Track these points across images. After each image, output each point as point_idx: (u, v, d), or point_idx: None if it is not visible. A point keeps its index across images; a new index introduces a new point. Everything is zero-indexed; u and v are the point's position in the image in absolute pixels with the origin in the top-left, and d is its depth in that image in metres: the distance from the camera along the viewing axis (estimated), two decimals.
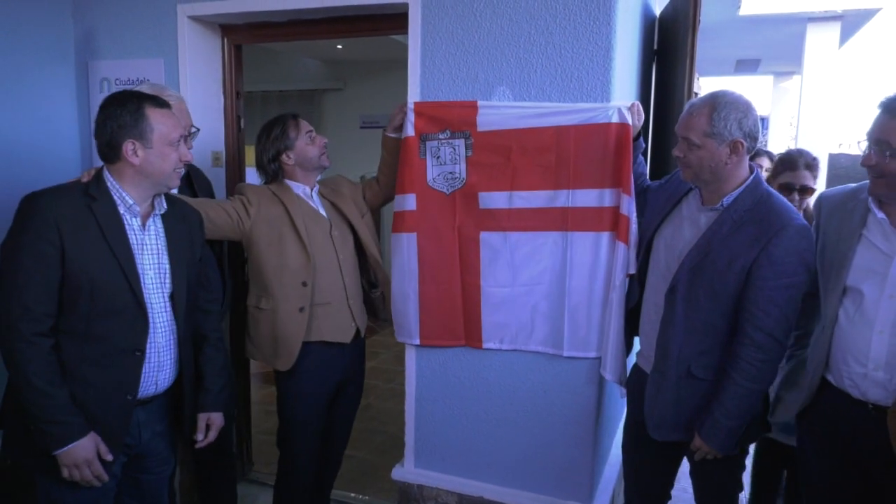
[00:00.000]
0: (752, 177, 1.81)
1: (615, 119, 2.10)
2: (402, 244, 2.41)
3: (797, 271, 1.72)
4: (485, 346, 2.38)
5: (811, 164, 2.35)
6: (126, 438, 1.78)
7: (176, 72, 2.77)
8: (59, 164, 2.82)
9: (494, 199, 2.28)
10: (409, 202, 2.37)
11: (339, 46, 6.37)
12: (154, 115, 1.72)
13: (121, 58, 2.86)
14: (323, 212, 2.41)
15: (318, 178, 2.47)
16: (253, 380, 3.29)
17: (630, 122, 2.10)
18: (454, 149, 2.29)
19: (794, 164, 2.37)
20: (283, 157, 2.36)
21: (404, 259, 2.40)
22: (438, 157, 2.32)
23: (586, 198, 2.18)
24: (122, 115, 1.70)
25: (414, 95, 2.39)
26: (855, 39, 6.88)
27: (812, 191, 2.32)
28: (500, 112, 2.22)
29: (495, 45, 2.26)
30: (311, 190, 2.42)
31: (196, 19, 2.76)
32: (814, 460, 1.84)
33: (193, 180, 2.44)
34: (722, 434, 1.80)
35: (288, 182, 2.39)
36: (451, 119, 2.28)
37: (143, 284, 1.74)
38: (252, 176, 2.72)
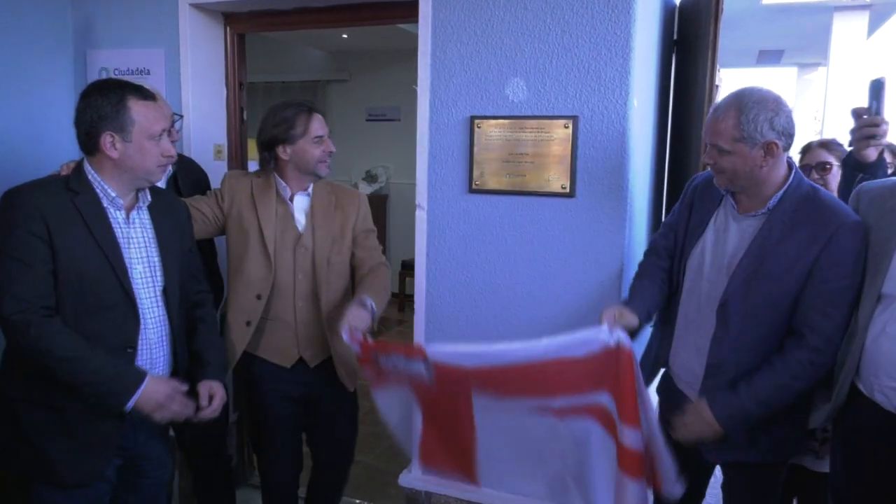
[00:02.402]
0: (792, 174, 1.76)
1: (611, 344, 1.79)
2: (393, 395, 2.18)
3: (857, 271, 1.68)
4: (483, 486, 2.25)
5: (826, 143, 2.45)
6: (120, 440, 1.79)
7: (177, 61, 2.78)
8: (57, 155, 2.82)
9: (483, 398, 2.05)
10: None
11: (345, 36, 6.37)
12: (136, 107, 1.70)
13: (120, 47, 2.87)
14: (301, 219, 2.27)
15: (311, 184, 2.30)
16: None
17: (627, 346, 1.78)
18: (418, 368, 2.05)
19: (808, 147, 2.49)
20: (279, 148, 2.21)
21: (398, 404, 2.19)
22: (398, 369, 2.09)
23: (579, 399, 1.92)
24: (102, 106, 1.68)
25: (423, 87, 2.38)
26: (884, 29, 6.83)
27: (830, 165, 2.39)
28: (453, 354, 2.00)
29: (509, 34, 2.25)
30: (296, 193, 2.27)
31: (198, 7, 2.77)
32: (845, 480, 1.78)
33: (178, 178, 2.38)
34: (735, 411, 1.72)
35: (276, 178, 2.26)
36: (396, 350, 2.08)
37: (131, 280, 1.74)
38: (254, 169, 2.72)
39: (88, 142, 1.71)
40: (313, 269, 2.25)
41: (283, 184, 2.26)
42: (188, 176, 2.45)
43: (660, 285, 2.00)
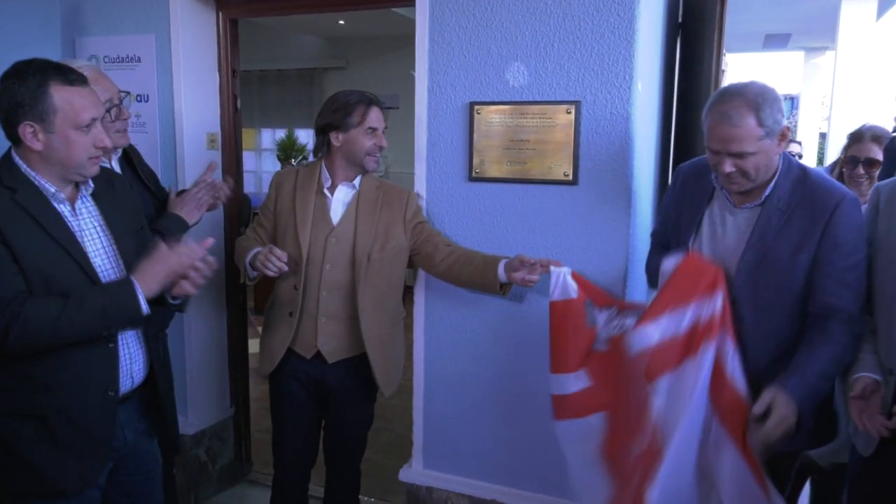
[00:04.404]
0: (781, 159, 1.78)
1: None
2: (578, 430, 2.05)
3: (860, 247, 1.72)
4: None
5: (879, 137, 2.40)
6: (113, 441, 1.76)
7: (168, 48, 2.75)
8: None
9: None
10: (578, 382, 2.03)
11: (341, 22, 6.34)
12: (59, 94, 1.56)
13: (110, 34, 2.84)
14: (339, 210, 2.28)
15: (357, 177, 2.30)
16: (251, 375, 3.29)
17: None
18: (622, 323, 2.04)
19: (858, 136, 2.43)
20: (332, 134, 2.23)
21: (580, 444, 2.04)
22: (610, 324, 2.05)
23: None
24: (20, 91, 1.54)
25: (421, 73, 2.36)
26: (893, 11, 6.76)
27: (879, 164, 2.34)
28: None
29: (509, 16, 2.22)
30: (339, 184, 2.27)
31: None
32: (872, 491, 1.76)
33: (132, 156, 2.30)
34: (807, 392, 1.67)
35: (322, 168, 2.28)
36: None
37: (97, 271, 1.68)
38: (250, 160, 2.69)
39: (9, 131, 1.58)
40: (352, 263, 2.25)
41: (327, 174, 2.28)
42: (137, 155, 2.36)
43: None
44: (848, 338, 1.71)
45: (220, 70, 2.92)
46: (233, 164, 2.99)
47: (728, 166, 1.71)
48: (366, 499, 3.04)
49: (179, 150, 2.80)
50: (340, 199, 2.29)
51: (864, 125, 2.54)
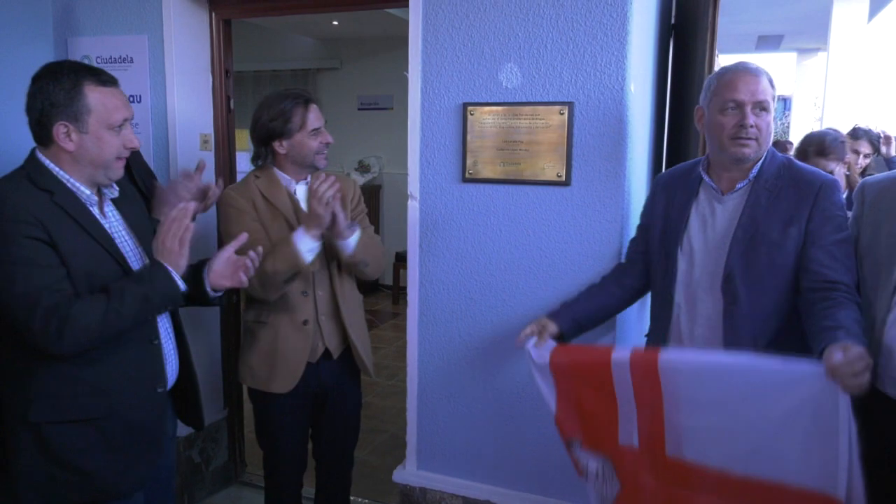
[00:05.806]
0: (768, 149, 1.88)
1: None
2: None
3: (846, 226, 1.78)
4: None
5: (824, 150, 2.36)
6: (164, 438, 1.78)
7: (161, 49, 2.74)
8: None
9: None
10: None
11: (335, 23, 6.33)
12: (93, 94, 1.60)
13: (102, 34, 2.83)
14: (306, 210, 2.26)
15: (309, 175, 2.30)
16: None
17: None
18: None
19: (804, 153, 2.45)
20: (275, 143, 2.20)
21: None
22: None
23: None
24: (54, 92, 1.57)
25: (415, 73, 2.36)
26: (886, 12, 6.80)
27: (832, 172, 2.34)
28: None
29: (502, 17, 2.22)
30: (298, 183, 2.27)
31: None
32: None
33: (132, 166, 2.26)
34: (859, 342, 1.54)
35: (277, 172, 2.25)
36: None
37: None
38: (244, 161, 2.68)
39: (41, 132, 1.60)
40: (327, 260, 2.27)
41: (287, 177, 2.26)
42: (136, 159, 2.34)
43: (610, 292, 2.07)
44: (855, 305, 1.68)
45: (213, 71, 2.91)
46: (226, 165, 2.98)
47: (752, 117, 1.79)
48: (359, 500, 3.03)
49: (172, 151, 2.79)
50: (303, 199, 2.25)
51: (811, 134, 2.50)
